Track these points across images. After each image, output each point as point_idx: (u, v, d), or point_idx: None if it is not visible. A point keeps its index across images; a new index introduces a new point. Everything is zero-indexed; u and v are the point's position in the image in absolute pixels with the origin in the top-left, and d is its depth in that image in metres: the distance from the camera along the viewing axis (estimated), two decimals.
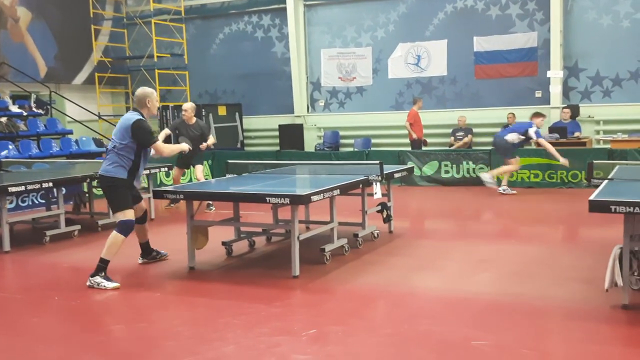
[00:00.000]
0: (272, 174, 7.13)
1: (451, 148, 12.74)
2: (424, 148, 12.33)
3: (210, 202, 8.88)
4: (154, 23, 15.35)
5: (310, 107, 15.51)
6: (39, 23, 14.70)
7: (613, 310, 4.28)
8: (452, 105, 13.98)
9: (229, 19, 16.02)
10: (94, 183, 8.29)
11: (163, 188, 5.82)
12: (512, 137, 9.83)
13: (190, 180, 11.10)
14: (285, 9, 14.99)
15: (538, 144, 10.17)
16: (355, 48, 14.83)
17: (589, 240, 6.91)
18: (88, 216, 8.47)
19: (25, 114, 12.88)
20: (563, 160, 9.69)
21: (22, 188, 6.84)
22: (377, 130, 14.50)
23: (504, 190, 10.02)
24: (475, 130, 13.45)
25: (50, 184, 7.09)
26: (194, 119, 9.10)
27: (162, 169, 9.44)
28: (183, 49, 16.05)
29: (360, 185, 6.28)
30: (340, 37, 14.96)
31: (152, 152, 5.49)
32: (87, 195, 8.72)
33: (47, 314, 4.69)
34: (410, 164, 10.60)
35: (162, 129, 14.55)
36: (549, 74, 12.85)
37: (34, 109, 13.33)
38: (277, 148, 14.53)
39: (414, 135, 12.40)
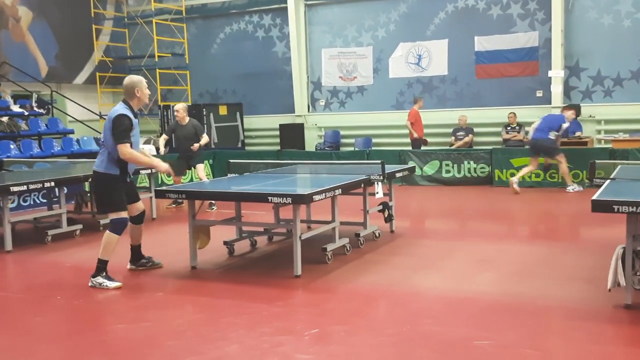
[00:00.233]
0: (274, 174, 7.13)
1: (451, 148, 12.73)
2: (424, 147, 12.33)
3: (213, 202, 8.90)
4: (155, 23, 15.36)
5: (311, 107, 15.51)
6: (40, 23, 14.70)
7: (616, 310, 4.28)
8: (453, 104, 13.98)
9: (230, 19, 16.03)
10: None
11: (165, 188, 5.79)
12: (551, 135, 9.80)
13: (191, 180, 11.11)
14: (286, 8, 14.99)
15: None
16: (356, 47, 14.83)
17: (590, 240, 6.91)
18: (90, 216, 8.47)
19: (26, 113, 12.89)
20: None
21: (24, 187, 6.86)
22: (377, 129, 14.50)
23: (573, 189, 9.90)
24: (476, 129, 13.44)
25: (52, 184, 7.10)
26: (187, 119, 9.19)
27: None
28: (184, 49, 16.06)
29: (362, 185, 6.28)
30: (341, 37, 14.96)
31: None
32: (88, 194, 8.73)
33: (49, 314, 4.70)
34: (411, 164, 10.60)
35: (163, 128, 14.61)
36: (550, 73, 12.85)
37: (35, 108, 13.34)
38: (278, 148, 14.53)
39: (415, 135, 12.40)
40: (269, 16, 15.64)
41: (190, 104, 15.42)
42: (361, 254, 6.11)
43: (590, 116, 12.64)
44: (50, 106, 13.91)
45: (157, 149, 10.44)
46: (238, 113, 15.45)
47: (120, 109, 5.16)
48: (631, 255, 4.22)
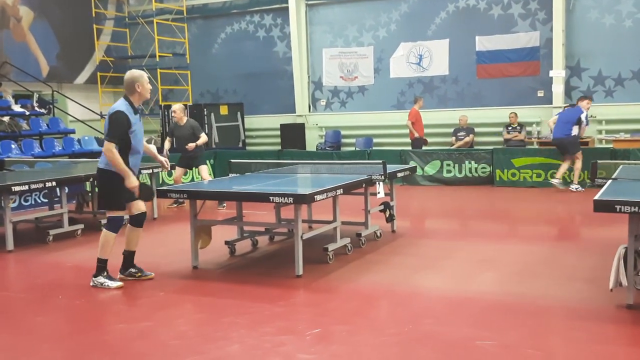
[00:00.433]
0: (275, 174, 7.13)
1: (452, 148, 12.73)
2: (424, 147, 12.33)
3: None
4: (156, 22, 15.36)
5: (312, 107, 15.51)
6: (41, 22, 14.71)
7: (617, 310, 4.27)
8: (454, 104, 13.97)
9: (231, 19, 16.03)
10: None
11: (166, 187, 5.79)
12: (575, 129, 9.79)
13: (192, 180, 11.11)
14: (287, 8, 14.99)
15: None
16: (357, 47, 14.83)
17: (591, 239, 6.90)
18: (91, 215, 8.48)
19: (27, 113, 12.90)
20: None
21: (26, 187, 6.86)
22: (378, 129, 14.50)
23: (576, 189, 9.88)
24: (477, 129, 13.44)
25: (54, 183, 7.10)
26: (185, 119, 9.22)
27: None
28: (185, 49, 16.06)
29: (363, 185, 6.28)
30: (342, 37, 14.96)
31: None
32: (89, 194, 8.74)
33: (51, 313, 4.70)
34: (412, 164, 10.60)
35: (164, 128, 14.61)
36: (551, 73, 12.84)
37: (36, 108, 13.35)
38: (279, 147, 14.53)
39: (416, 135, 12.40)
40: (270, 16, 15.64)
41: (191, 103, 15.44)
42: (362, 254, 6.11)
43: (592, 116, 12.60)
44: (51, 106, 13.92)
45: (159, 149, 10.46)
46: (239, 113, 15.46)
47: (120, 105, 5.07)
48: (633, 255, 4.22)
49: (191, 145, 8.97)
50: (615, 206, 4.06)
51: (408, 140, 12.74)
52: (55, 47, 15.03)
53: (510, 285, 4.97)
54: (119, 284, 5.14)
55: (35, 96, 13.68)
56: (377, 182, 6.33)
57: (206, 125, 14.37)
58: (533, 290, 4.80)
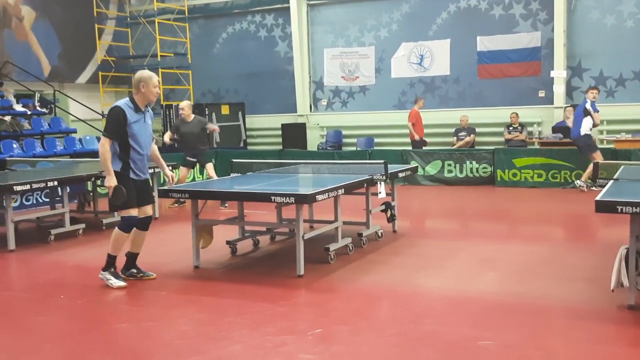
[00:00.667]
0: (277, 173, 7.14)
1: (453, 148, 12.73)
2: (424, 148, 12.33)
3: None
4: (158, 22, 15.36)
5: (313, 107, 15.51)
6: (42, 22, 14.72)
7: (619, 310, 4.28)
8: (455, 104, 13.97)
9: (232, 19, 16.04)
10: (98, 182, 8.30)
11: (167, 187, 5.77)
12: (585, 126, 9.67)
13: (194, 179, 11.12)
14: (288, 8, 14.99)
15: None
16: (358, 47, 14.83)
17: (592, 240, 6.91)
18: (92, 215, 8.50)
19: (29, 112, 12.90)
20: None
21: (28, 187, 6.86)
22: (379, 129, 14.51)
23: (578, 185, 9.85)
24: (478, 130, 13.43)
25: (56, 183, 7.11)
26: (192, 116, 9.32)
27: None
28: (186, 48, 16.07)
29: (365, 185, 6.28)
30: (343, 37, 14.96)
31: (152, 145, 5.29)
32: (91, 194, 8.75)
33: (52, 313, 4.70)
34: (413, 164, 10.60)
35: (165, 128, 14.62)
36: (552, 73, 12.83)
37: (37, 107, 13.35)
38: (280, 147, 14.54)
39: (416, 137, 12.42)
40: (271, 16, 15.65)
41: (192, 103, 15.42)
42: (364, 254, 6.11)
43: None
44: (52, 105, 13.94)
45: (159, 147, 10.51)
46: (240, 113, 15.46)
47: (120, 101, 5.09)
48: (634, 255, 4.22)
49: (213, 126, 9.51)
50: (617, 207, 4.06)
51: (409, 140, 12.74)
52: (56, 47, 15.05)
53: (511, 285, 4.97)
54: (122, 284, 5.14)
55: (37, 96, 13.69)
56: (379, 182, 6.33)
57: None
58: (534, 290, 4.81)
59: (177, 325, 4.26)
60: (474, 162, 11.14)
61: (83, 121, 14.17)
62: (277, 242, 6.85)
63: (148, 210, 5.30)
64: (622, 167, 6.30)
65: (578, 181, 9.95)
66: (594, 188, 9.57)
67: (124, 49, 16.75)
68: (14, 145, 11.58)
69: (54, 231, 7.22)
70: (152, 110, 5.38)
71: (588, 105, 9.75)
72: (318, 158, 11.39)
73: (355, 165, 7.56)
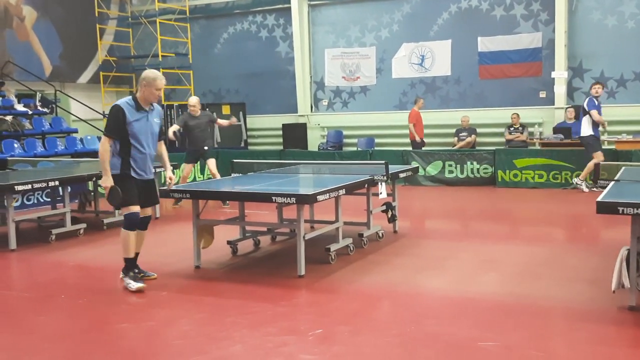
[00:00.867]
0: (278, 174, 7.14)
1: (454, 148, 12.73)
2: (424, 148, 12.34)
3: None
4: (159, 22, 15.38)
5: (313, 107, 15.52)
6: (44, 22, 14.74)
7: (620, 311, 4.27)
8: (456, 105, 13.97)
9: (234, 19, 16.05)
10: (99, 182, 8.30)
11: (167, 188, 5.76)
12: (585, 125, 9.61)
13: (194, 179, 11.12)
14: (289, 8, 15.01)
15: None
16: (359, 48, 14.83)
17: (593, 241, 6.91)
18: (93, 215, 8.50)
19: (30, 112, 12.92)
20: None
21: (29, 187, 6.87)
22: (380, 130, 14.51)
23: (576, 183, 9.85)
24: (479, 130, 13.43)
25: (57, 183, 7.11)
26: (199, 111, 9.37)
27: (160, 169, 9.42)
28: (187, 49, 16.08)
29: (366, 185, 6.28)
30: (344, 37, 14.97)
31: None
32: (92, 193, 8.75)
33: (53, 313, 4.70)
34: (414, 164, 10.60)
35: (166, 127, 14.62)
36: (553, 74, 12.84)
37: (39, 107, 13.37)
38: (281, 147, 14.55)
39: (418, 138, 12.42)
40: (272, 16, 15.66)
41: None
42: (364, 254, 6.11)
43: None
44: (54, 105, 13.95)
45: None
46: (241, 113, 15.46)
47: (121, 100, 5.06)
48: (636, 257, 4.22)
49: (233, 120, 9.62)
50: (618, 208, 4.06)
51: (409, 140, 12.76)
52: (58, 47, 15.06)
53: (512, 286, 4.97)
54: (140, 285, 5.02)
55: (38, 95, 13.70)
56: (380, 183, 6.33)
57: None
58: (535, 291, 4.81)
59: (178, 325, 4.26)
60: (474, 163, 11.14)
61: (84, 121, 14.19)
62: (277, 242, 6.85)
63: (147, 210, 5.30)
64: (624, 168, 6.30)
65: (576, 179, 9.93)
66: (595, 189, 9.56)
67: (125, 49, 16.76)
68: (15, 145, 11.59)
69: (55, 231, 7.22)
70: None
71: (585, 104, 9.72)
72: (319, 158, 11.40)
73: (356, 165, 7.57)
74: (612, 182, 5.14)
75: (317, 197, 5.26)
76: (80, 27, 15.44)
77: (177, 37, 16.04)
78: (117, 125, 4.95)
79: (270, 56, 15.68)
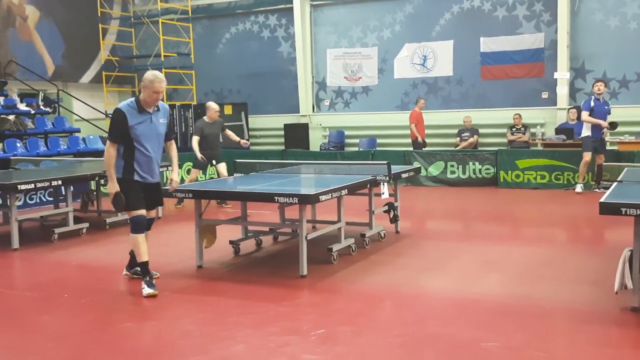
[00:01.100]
0: (280, 174, 7.14)
1: (456, 149, 12.73)
2: (425, 149, 12.34)
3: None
4: (161, 22, 15.40)
5: (315, 107, 15.52)
6: (47, 21, 14.76)
7: (623, 312, 4.27)
8: (458, 105, 13.97)
9: (236, 19, 16.06)
10: (102, 181, 8.32)
11: (170, 190, 5.76)
12: (583, 126, 9.62)
13: (196, 180, 11.11)
14: (291, 9, 15.01)
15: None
16: (361, 48, 14.83)
17: (596, 242, 6.90)
18: (96, 214, 8.51)
19: (33, 112, 12.94)
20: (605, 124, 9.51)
21: (32, 186, 6.88)
22: (382, 130, 14.51)
23: (575, 183, 9.89)
24: (481, 131, 13.42)
25: (60, 182, 7.12)
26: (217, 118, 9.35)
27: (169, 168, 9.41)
28: (190, 49, 16.10)
29: (368, 185, 6.29)
30: (346, 37, 14.97)
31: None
32: (94, 193, 8.77)
33: (56, 312, 4.71)
34: (416, 164, 10.60)
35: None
36: (555, 75, 12.83)
37: (41, 107, 13.39)
38: (283, 147, 14.55)
39: (419, 139, 12.41)
40: (274, 16, 15.66)
41: (195, 103, 15.47)
42: (366, 255, 6.12)
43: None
44: (56, 105, 13.97)
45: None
46: (243, 113, 15.47)
47: (122, 103, 4.98)
48: (638, 257, 4.21)
49: (242, 141, 9.38)
50: (621, 209, 4.06)
51: (411, 140, 12.76)
52: (60, 46, 15.07)
53: (514, 287, 4.97)
54: (151, 292, 4.91)
55: (41, 95, 13.72)
56: (382, 183, 6.33)
57: None
58: (537, 292, 4.80)
59: (181, 325, 4.27)
60: (476, 163, 11.14)
61: (87, 121, 14.21)
62: (279, 242, 6.86)
63: (152, 212, 5.26)
64: (626, 169, 6.30)
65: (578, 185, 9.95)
66: (597, 189, 9.56)
67: (127, 49, 16.78)
68: (18, 145, 11.61)
69: (57, 230, 7.23)
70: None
71: (582, 105, 9.73)
72: (320, 158, 11.40)
73: (358, 165, 7.57)
74: (615, 183, 5.14)
75: (320, 197, 5.26)
76: (83, 26, 15.46)
77: (179, 37, 16.06)
78: (119, 130, 4.87)
79: (272, 56, 15.68)
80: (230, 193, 6.21)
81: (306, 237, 5.33)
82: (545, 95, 13.21)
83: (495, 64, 13.54)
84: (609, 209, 4.14)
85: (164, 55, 15.44)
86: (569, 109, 12.43)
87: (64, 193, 7.66)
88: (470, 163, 11.17)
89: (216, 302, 4.80)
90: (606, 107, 9.77)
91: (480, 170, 11.12)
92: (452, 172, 11.30)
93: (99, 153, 12.40)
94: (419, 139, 12.47)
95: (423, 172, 11.16)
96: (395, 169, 6.96)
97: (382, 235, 6.80)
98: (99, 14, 15.58)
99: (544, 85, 13.16)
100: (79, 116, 14.43)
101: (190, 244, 6.03)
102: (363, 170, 6.72)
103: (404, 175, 7.32)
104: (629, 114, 12.36)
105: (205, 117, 9.27)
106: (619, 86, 12.61)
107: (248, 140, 15.46)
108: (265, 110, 15.75)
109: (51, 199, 8.98)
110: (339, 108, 15.30)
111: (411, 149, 12.16)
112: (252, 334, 4.03)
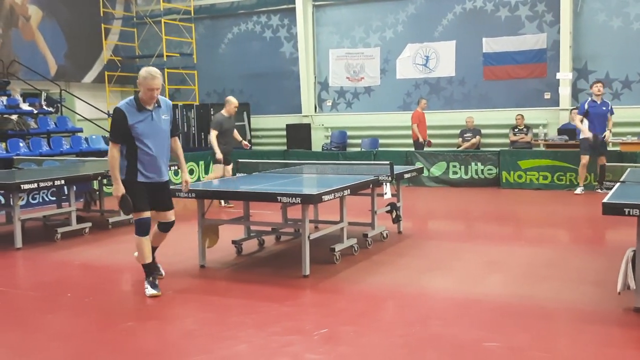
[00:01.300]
0: (282, 174, 7.15)
1: (459, 149, 12.73)
2: (427, 149, 12.34)
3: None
4: (164, 22, 15.41)
5: (317, 107, 15.53)
6: (49, 21, 14.79)
7: (625, 313, 4.27)
8: (460, 106, 13.96)
9: (238, 19, 16.07)
10: (105, 181, 8.34)
11: (174, 187, 5.76)
12: (583, 124, 9.62)
13: (198, 179, 11.15)
14: (294, 9, 15.02)
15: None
16: (364, 48, 14.84)
17: (599, 242, 6.90)
18: (98, 214, 8.53)
19: (35, 111, 12.97)
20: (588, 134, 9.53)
21: (35, 185, 6.90)
22: (384, 130, 14.51)
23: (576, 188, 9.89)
24: (483, 131, 13.42)
25: (62, 182, 7.14)
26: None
27: (173, 167, 9.35)
28: (192, 49, 16.11)
29: (370, 186, 6.29)
30: (348, 38, 14.97)
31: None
32: (97, 192, 8.78)
33: (59, 311, 4.72)
34: (418, 165, 10.60)
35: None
36: (558, 75, 12.82)
37: (44, 107, 13.42)
38: (285, 148, 14.56)
39: (421, 139, 12.41)
40: (277, 16, 15.67)
41: (197, 103, 15.49)
42: (369, 255, 6.12)
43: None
44: (59, 105, 13.99)
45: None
46: (245, 113, 15.47)
47: (123, 102, 4.85)
48: None
49: (244, 142, 9.43)
50: (624, 209, 4.06)
51: (412, 140, 12.76)
52: (63, 46, 15.11)
53: (517, 288, 4.97)
54: (154, 292, 4.89)
55: (43, 95, 13.76)
56: (384, 183, 6.34)
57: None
58: (540, 292, 4.80)
59: (183, 325, 4.28)
60: (479, 164, 11.14)
61: (89, 120, 14.23)
62: (282, 242, 6.86)
63: (169, 215, 5.10)
64: (629, 169, 6.29)
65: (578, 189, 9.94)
66: (599, 190, 9.54)
67: (130, 49, 16.80)
68: (21, 144, 11.63)
69: (60, 230, 7.24)
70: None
71: (579, 105, 9.74)
72: (322, 159, 11.40)
73: (360, 166, 7.57)
74: (618, 184, 5.13)
75: (322, 197, 5.27)
76: (86, 26, 15.48)
77: (181, 37, 16.07)
78: (120, 130, 4.76)
79: (275, 56, 15.69)
80: (233, 193, 6.22)
81: (309, 237, 5.34)
82: (547, 95, 13.20)
83: (498, 65, 13.54)
84: (612, 210, 4.14)
85: (167, 56, 15.45)
86: (572, 109, 12.40)
87: (66, 193, 7.67)
88: (473, 163, 11.17)
89: (218, 302, 4.81)
90: (604, 108, 9.76)
91: (482, 170, 11.12)
92: (455, 173, 11.30)
93: (102, 153, 12.46)
94: (420, 139, 12.47)
95: (425, 173, 11.16)
96: (398, 169, 6.97)
97: (385, 235, 6.80)
98: (102, 14, 15.60)
99: (546, 85, 13.16)
100: (81, 116, 14.46)
101: (192, 243, 6.04)
102: (365, 171, 6.73)
103: (406, 176, 7.33)
104: (632, 114, 12.35)
105: (223, 111, 9.14)
106: (622, 87, 12.60)
107: (249, 141, 15.52)
108: (268, 110, 15.75)
109: (54, 198, 8.99)
110: (341, 108, 15.30)
111: (413, 149, 12.15)
112: (255, 333, 4.04)
